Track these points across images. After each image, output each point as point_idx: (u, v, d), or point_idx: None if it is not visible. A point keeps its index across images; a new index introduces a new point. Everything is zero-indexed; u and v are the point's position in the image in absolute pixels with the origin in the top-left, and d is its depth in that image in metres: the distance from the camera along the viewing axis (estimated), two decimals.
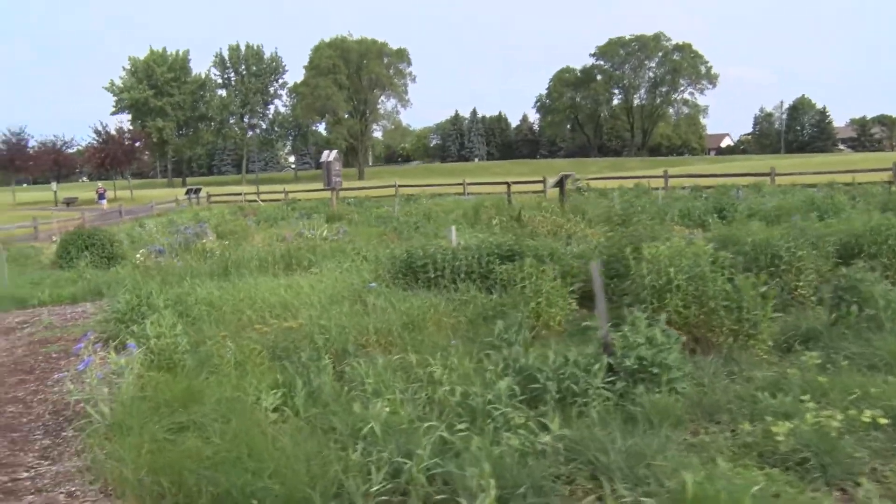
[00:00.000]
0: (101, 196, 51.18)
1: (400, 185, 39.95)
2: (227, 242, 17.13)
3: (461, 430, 4.71)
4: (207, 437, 4.88)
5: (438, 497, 4.12)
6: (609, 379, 5.60)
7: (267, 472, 4.12)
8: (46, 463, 5.23)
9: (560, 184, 18.93)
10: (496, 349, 6.75)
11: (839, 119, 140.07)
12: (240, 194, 47.46)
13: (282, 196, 42.90)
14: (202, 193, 47.81)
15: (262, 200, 41.28)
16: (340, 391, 5.84)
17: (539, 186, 33.77)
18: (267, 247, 15.37)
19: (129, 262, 16.22)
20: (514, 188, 33.81)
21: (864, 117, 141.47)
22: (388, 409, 5.14)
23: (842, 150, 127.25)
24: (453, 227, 10.87)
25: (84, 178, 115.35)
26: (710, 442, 5.06)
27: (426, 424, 4.63)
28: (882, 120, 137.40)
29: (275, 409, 5.37)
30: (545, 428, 4.96)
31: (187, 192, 47.69)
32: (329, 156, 28.69)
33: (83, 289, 13.11)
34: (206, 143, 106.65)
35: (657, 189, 29.97)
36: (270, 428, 4.99)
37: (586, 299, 8.79)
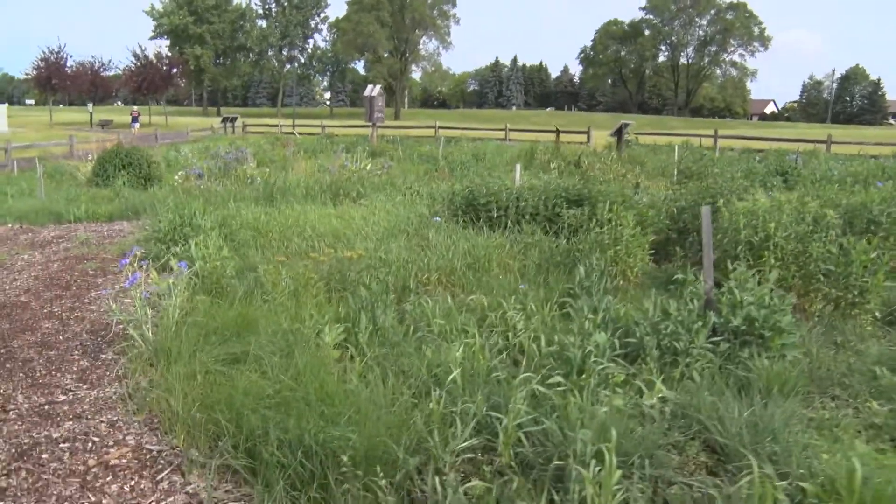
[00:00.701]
0: (135, 119, 50.71)
1: (440, 127, 38.97)
2: (267, 170, 16.55)
3: (556, 385, 4.10)
4: (265, 371, 4.32)
5: (539, 460, 3.53)
6: (711, 339, 4.95)
7: (341, 418, 3.54)
8: (85, 387, 4.71)
9: (619, 132, 18.03)
10: (574, 297, 6.14)
11: (892, 93, 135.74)
12: (276, 126, 46.73)
13: (318, 130, 42.15)
14: (238, 123, 47.18)
15: (299, 133, 40.55)
16: (406, 331, 5.25)
17: (583, 137, 32.81)
18: (310, 176, 14.76)
19: (166, 184, 15.73)
20: (561, 137, 32.90)
21: None
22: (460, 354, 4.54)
23: (892, 124, 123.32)
24: (518, 166, 10.14)
25: (119, 102, 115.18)
26: (829, 419, 4.43)
27: (521, 375, 4.01)
28: None
29: (336, 346, 4.78)
30: (645, 388, 4.34)
31: (223, 121, 46.97)
32: (373, 90, 27.83)
33: (120, 207, 12.62)
34: (242, 74, 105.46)
35: (707, 149, 28.89)
36: (336, 367, 4.41)
37: (657, 252, 8.14)
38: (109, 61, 66.70)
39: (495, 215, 8.77)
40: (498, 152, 19.74)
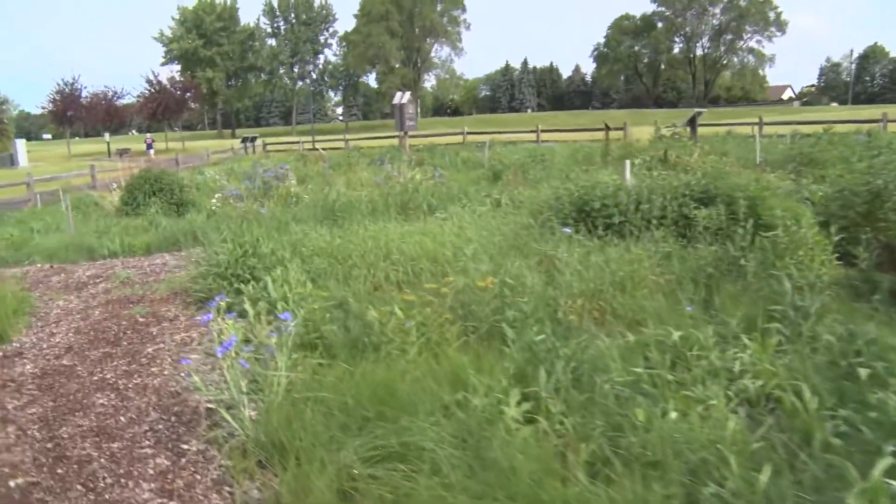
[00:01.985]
0: (150, 146, 49.89)
1: (469, 133, 37.60)
2: (309, 186, 15.19)
3: None
4: (442, 475, 2.88)
5: None
6: None
7: None
8: None
9: (692, 122, 16.57)
10: (776, 320, 4.68)
11: None
12: (297, 142, 45.63)
13: (342, 144, 40.99)
14: (258, 142, 46.07)
15: (323, 149, 39.34)
16: (593, 387, 3.81)
17: (619, 134, 31.25)
18: (360, 190, 13.36)
19: (202, 208, 14.42)
20: (590, 135, 31.44)
21: None
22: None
23: None
24: (628, 163, 8.68)
25: (133, 131, 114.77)
26: None
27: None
28: None
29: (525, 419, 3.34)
30: None
31: (243, 141, 45.86)
32: (402, 98, 26.52)
33: (157, 238, 11.27)
34: (254, 94, 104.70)
35: (751, 136, 27.30)
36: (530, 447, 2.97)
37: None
38: (123, 89, 65.82)
39: (616, 221, 7.29)
40: (550, 154, 18.25)
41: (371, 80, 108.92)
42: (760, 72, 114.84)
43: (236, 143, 50.41)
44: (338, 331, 4.79)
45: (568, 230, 6.37)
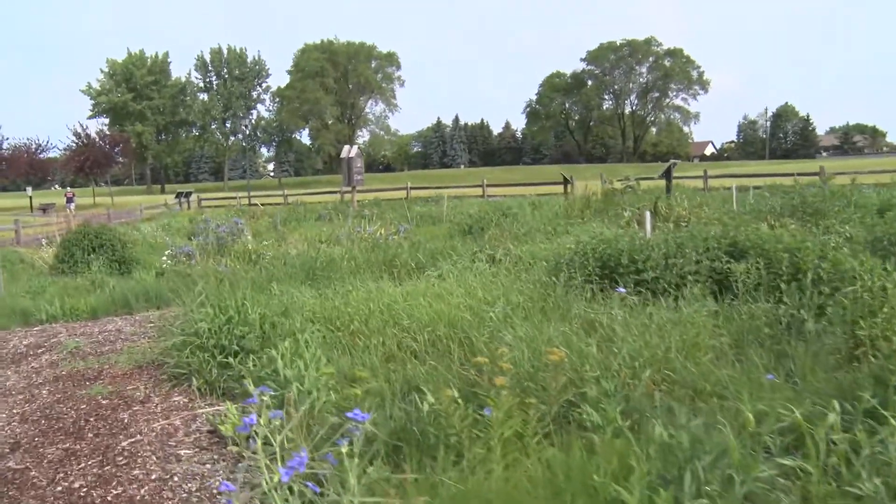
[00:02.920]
0: (70, 200, 47.56)
1: (412, 188, 36.96)
2: (264, 242, 14.11)
3: None
4: None
5: None
6: None
7: None
8: None
9: (667, 173, 16.21)
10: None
11: (820, 128, 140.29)
12: (234, 198, 44.23)
13: (280, 199, 39.82)
14: (192, 198, 44.48)
15: (262, 204, 38.08)
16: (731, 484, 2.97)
17: (558, 188, 31.09)
18: (316, 246, 12.34)
19: (148, 267, 13.18)
20: (538, 189, 31.23)
21: (846, 124, 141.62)
22: None
23: (824, 156, 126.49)
24: (648, 213, 7.99)
25: (56, 186, 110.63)
26: None
27: None
28: (860, 129, 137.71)
29: None
30: None
31: (177, 196, 44.25)
32: (350, 151, 25.69)
33: (104, 300, 10.01)
34: (185, 149, 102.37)
35: (702, 190, 27.48)
36: None
37: None
38: (48, 142, 63.02)
39: (649, 277, 6.53)
40: (517, 207, 17.59)
41: (304, 136, 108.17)
42: (685, 128, 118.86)
43: (169, 198, 48.75)
44: (392, 425, 3.82)
45: (622, 290, 5.57)
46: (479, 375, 4.32)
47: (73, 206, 47.07)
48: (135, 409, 5.27)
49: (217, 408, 5.16)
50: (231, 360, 5.46)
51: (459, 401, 3.70)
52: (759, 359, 5.04)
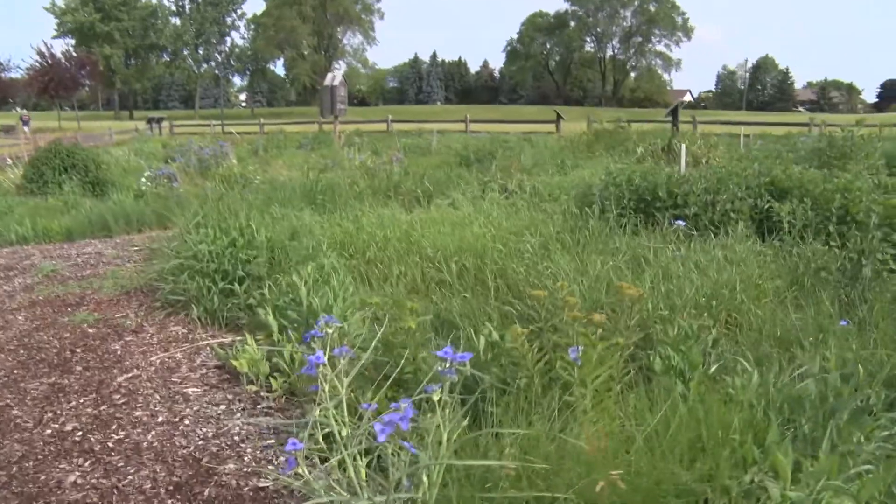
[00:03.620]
0: (26, 123, 45.67)
1: (393, 121, 35.94)
2: (251, 167, 13.30)
3: None
4: None
5: None
6: None
7: None
8: None
9: (674, 112, 15.61)
10: None
11: (799, 82, 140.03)
12: (207, 125, 42.81)
13: (256, 129, 38.55)
14: (164, 124, 42.91)
15: (238, 133, 36.82)
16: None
17: (550, 127, 30.43)
18: (308, 172, 11.59)
19: (124, 189, 12.35)
20: (525, 128, 30.46)
21: (824, 79, 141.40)
22: None
23: (801, 111, 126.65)
24: (684, 147, 7.39)
25: (17, 108, 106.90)
26: None
27: None
28: (836, 85, 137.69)
29: None
30: None
31: (149, 122, 42.56)
32: (333, 79, 24.48)
33: (81, 221, 9.26)
34: (155, 75, 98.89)
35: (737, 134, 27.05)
36: None
37: None
38: (9, 61, 60.32)
39: (691, 213, 5.97)
40: (516, 142, 16.88)
41: (279, 66, 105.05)
42: (666, 75, 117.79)
43: (139, 124, 47.10)
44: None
45: (681, 222, 5.00)
46: (535, 311, 3.77)
47: (28, 128, 45.31)
48: (127, 339, 4.64)
49: (222, 339, 4.57)
50: (236, 286, 4.84)
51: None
52: (832, 302, 4.60)
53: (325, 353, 2.02)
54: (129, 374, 3.98)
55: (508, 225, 6.11)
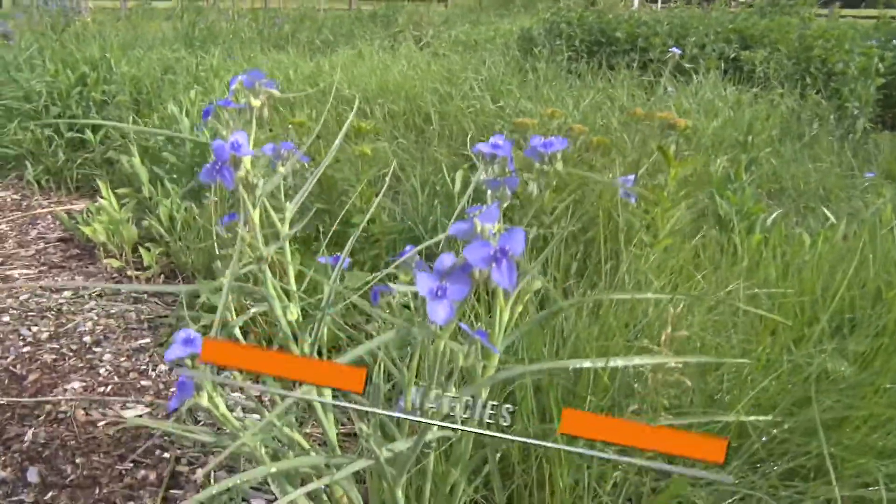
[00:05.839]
0: None
1: None
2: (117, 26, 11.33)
3: None
4: None
5: None
6: None
7: None
8: None
9: None
10: None
11: None
12: None
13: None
14: None
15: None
16: None
17: None
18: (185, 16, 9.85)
19: None
20: None
21: None
22: None
23: None
24: None
25: None
26: None
27: None
28: None
29: None
30: None
31: None
32: None
33: None
34: None
35: None
36: None
37: None
38: None
39: (653, 57, 5.00)
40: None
41: None
42: None
43: None
44: None
45: (676, 49, 4.02)
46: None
47: None
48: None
49: (71, 207, 3.33)
50: (88, 134, 3.53)
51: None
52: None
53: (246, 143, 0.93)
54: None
55: (438, 69, 4.98)
